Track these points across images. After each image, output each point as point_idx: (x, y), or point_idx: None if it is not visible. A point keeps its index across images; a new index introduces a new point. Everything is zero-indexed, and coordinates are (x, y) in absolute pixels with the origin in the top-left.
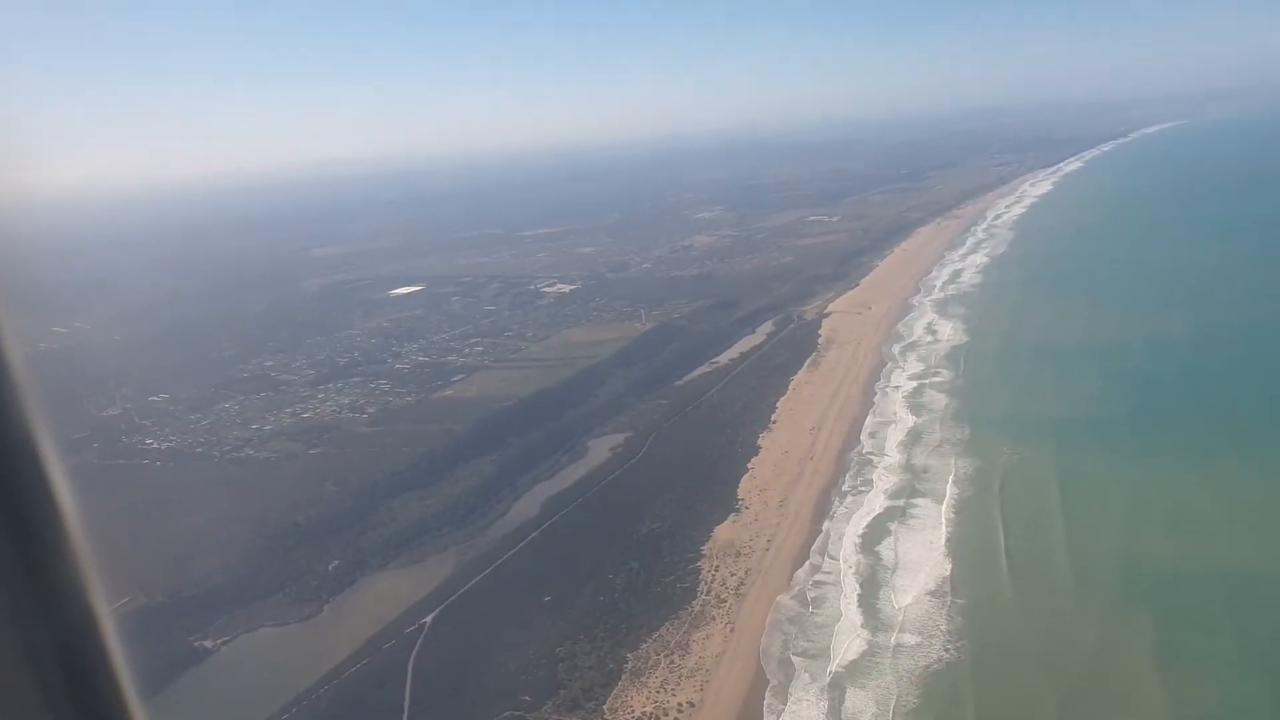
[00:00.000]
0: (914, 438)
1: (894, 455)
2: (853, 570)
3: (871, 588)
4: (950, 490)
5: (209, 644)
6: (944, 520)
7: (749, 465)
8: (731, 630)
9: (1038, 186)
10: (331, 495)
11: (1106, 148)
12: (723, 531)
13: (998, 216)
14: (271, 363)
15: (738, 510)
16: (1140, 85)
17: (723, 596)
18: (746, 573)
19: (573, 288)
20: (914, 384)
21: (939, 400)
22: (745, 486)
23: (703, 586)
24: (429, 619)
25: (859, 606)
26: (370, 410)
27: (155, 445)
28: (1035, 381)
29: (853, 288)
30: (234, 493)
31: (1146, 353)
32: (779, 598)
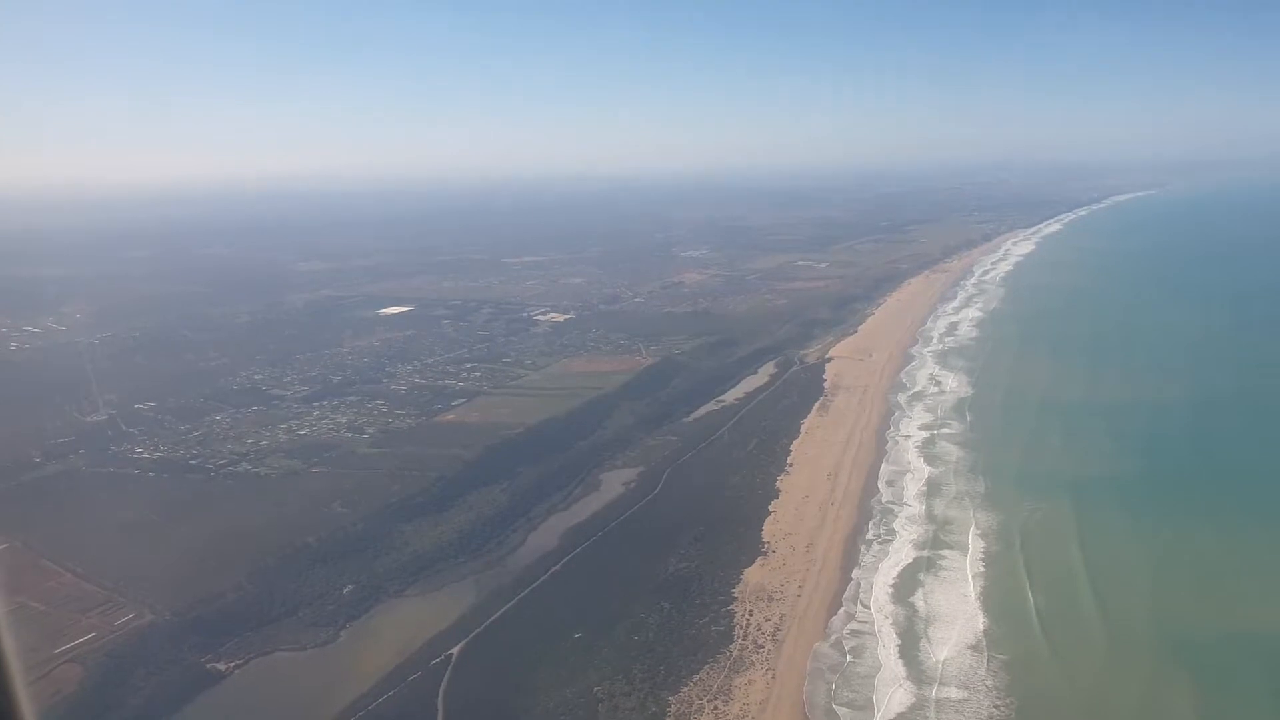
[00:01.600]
0: (932, 488)
1: (914, 505)
2: (889, 620)
3: (910, 639)
4: (974, 543)
5: (222, 666)
6: (971, 573)
7: (770, 508)
8: (773, 677)
9: (1020, 246)
10: (341, 517)
11: (1082, 212)
12: (752, 575)
13: (985, 273)
14: (261, 376)
15: (765, 554)
16: (1109, 153)
17: (760, 642)
18: (781, 618)
19: (566, 317)
20: (925, 434)
21: (952, 452)
22: (770, 529)
23: (738, 630)
24: (455, 651)
25: (899, 658)
26: (370, 431)
27: (145, 455)
28: (1043, 437)
29: (851, 334)
30: (236, 508)
31: (1149, 413)
32: (817, 645)
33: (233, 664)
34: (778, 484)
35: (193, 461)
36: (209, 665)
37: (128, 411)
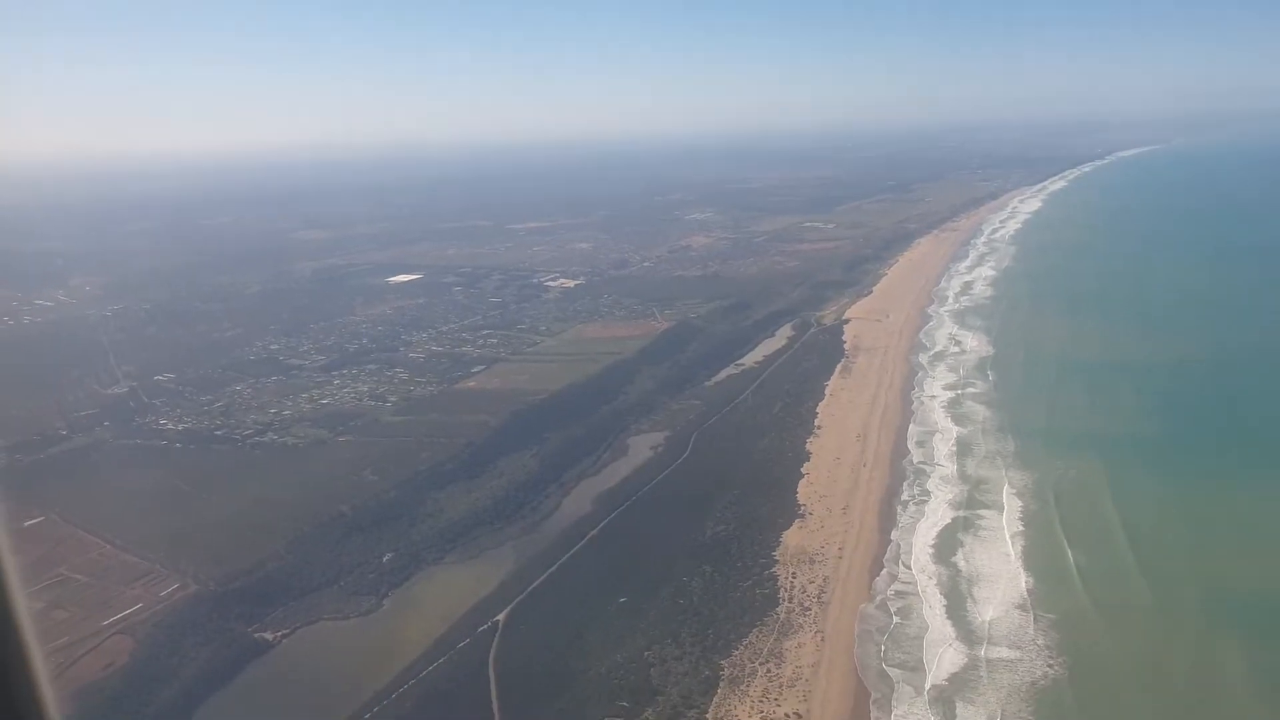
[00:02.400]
0: (963, 448)
1: (946, 465)
2: (932, 581)
3: (955, 599)
4: (1010, 503)
5: (269, 636)
6: (1010, 533)
7: (803, 470)
8: (822, 640)
9: (1027, 203)
10: (373, 484)
11: (1086, 168)
12: (791, 537)
13: (994, 231)
14: (277, 346)
15: (802, 516)
16: (1111, 109)
17: (806, 604)
18: (825, 580)
19: (576, 283)
20: (951, 394)
21: (979, 411)
22: (804, 492)
23: (783, 593)
24: (501, 617)
25: (947, 618)
26: (392, 399)
27: (170, 426)
28: (1068, 395)
29: (866, 295)
30: (267, 478)
31: (1171, 370)
32: (862, 607)
33: (280, 633)
34: (807, 446)
35: (218, 432)
36: (256, 635)
37: (148, 383)
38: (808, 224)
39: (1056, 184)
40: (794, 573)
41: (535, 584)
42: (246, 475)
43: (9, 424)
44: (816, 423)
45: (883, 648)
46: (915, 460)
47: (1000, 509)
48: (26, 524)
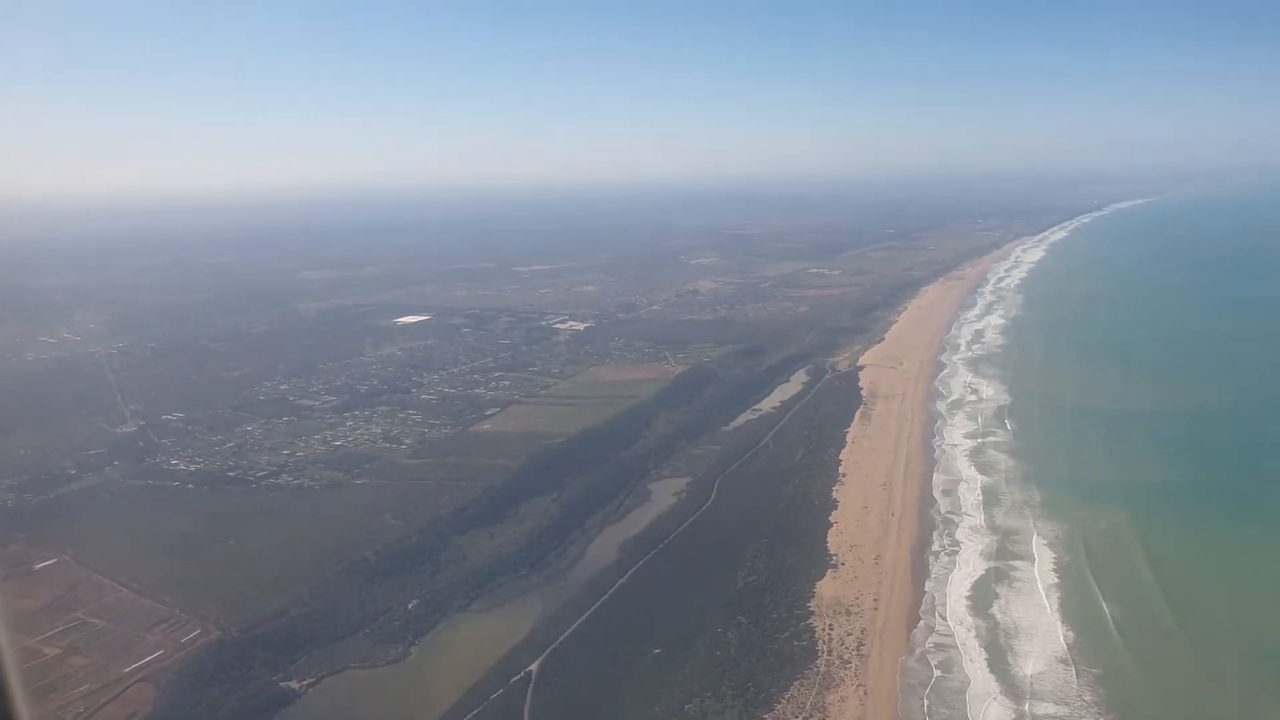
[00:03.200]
0: (989, 498)
1: (975, 515)
2: (971, 633)
3: (995, 652)
4: (1041, 554)
5: (295, 685)
6: (1044, 584)
7: (831, 519)
8: (865, 694)
9: (1030, 253)
10: (394, 529)
11: (1086, 219)
12: (824, 588)
13: (1000, 280)
14: (286, 386)
15: (834, 566)
16: (1103, 162)
17: (845, 657)
18: (863, 632)
19: (585, 325)
20: (972, 443)
21: (1001, 460)
22: (834, 541)
23: (821, 645)
24: (534, 667)
25: (990, 672)
26: (407, 441)
27: (181, 466)
28: (1089, 444)
29: (878, 341)
30: (284, 521)
31: (1189, 419)
32: (902, 659)
33: (305, 682)
34: (834, 494)
35: (231, 473)
36: (281, 684)
37: (156, 423)
38: (813, 270)
39: (1057, 234)
40: (830, 624)
41: (566, 633)
42: (262, 518)
43: (16, 462)
44: (841, 470)
45: (926, 702)
46: (943, 510)
47: (1032, 559)
48: (39, 566)
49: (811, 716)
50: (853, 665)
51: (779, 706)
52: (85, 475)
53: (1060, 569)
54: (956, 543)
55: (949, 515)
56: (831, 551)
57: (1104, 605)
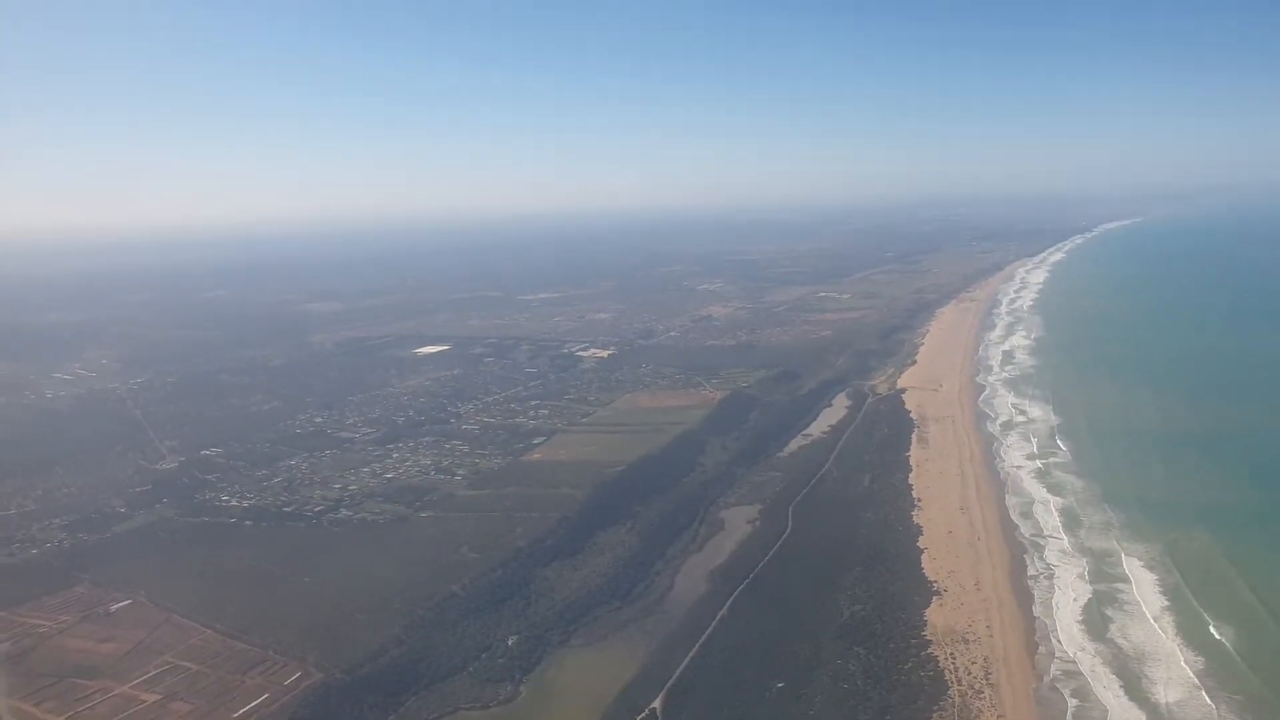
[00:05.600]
0: (1069, 520)
1: (1060, 538)
2: (1098, 660)
3: (1128, 680)
4: (1139, 575)
5: None
6: (1153, 608)
7: (920, 545)
8: None
9: (1034, 274)
10: (475, 562)
11: (1078, 240)
12: (934, 616)
13: (1012, 301)
14: (321, 419)
15: (938, 593)
16: (1081, 184)
17: (976, 687)
18: (986, 660)
19: (608, 353)
20: (1035, 464)
21: (1069, 481)
22: (930, 567)
23: (949, 676)
24: (657, 705)
25: (1129, 700)
26: (460, 472)
27: (234, 503)
28: (1149, 464)
29: (911, 364)
30: (356, 556)
31: (1241, 436)
32: (1034, 688)
33: None
34: (914, 519)
35: (287, 509)
36: None
37: (196, 458)
38: (822, 294)
39: (1055, 255)
40: (952, 653)
41: (681, 668)
42: (332, 553)
43: (63, 501)
44: (915, 495)
45: None
46: (1026, 533)
47: (1129, 581)
48: (114, 607)
49: None
50: (986, 695)
51: None
52: (137, 513)
53: (1165, 592)
54: (1050, 566)
55: (1034, 538)
56: (930, 578)
57: (1213, 629)
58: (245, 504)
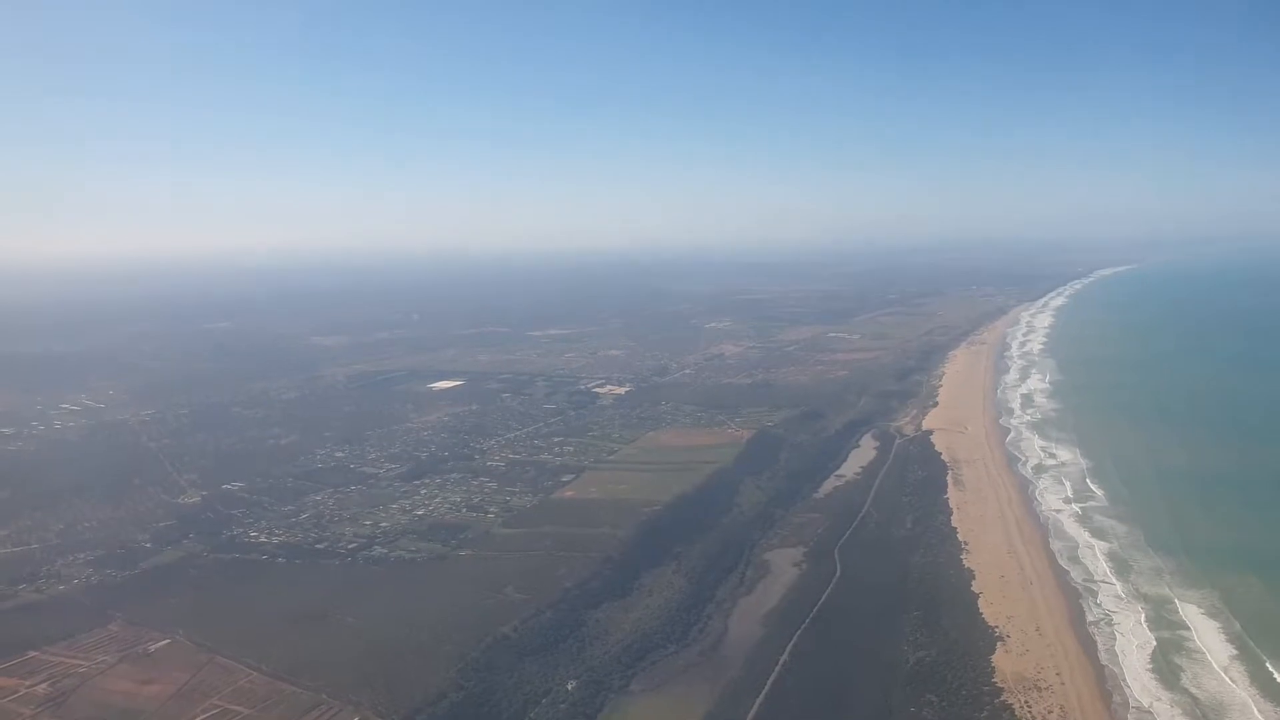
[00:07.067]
0: (1119, 565)
1: (1114, 583)
2: (1177, 710)
3: None
4: (1198, 623)
5: None
6: (1220, 657)
7: (975, 590)
8: None
9: (1039, 318)
10: (522, 604)
11: (1077, 285)
12: (1002, 662)
13: (1021, 345)
14: (343, 454)
15: (1002, 639)
16: (1076, 231)
17: None
18: (1062, 709)
19: (625, 390)
20: (1073, 508)
21: (1110, 526)
22: (989, 613)
23: None
24: None
25: None
26: (493, 510)
27: (263, 539)
28: (1186, 506)
29: (933, 406)
30: (399, 596)
31: (1267, 479)
32: None
33: None
34: (965, 563)
35: (319, 545)
36: None
37: (218, 493)
38: (832, 334)
39: (1056, 300)
40: (1026, 701)
41: (752, 714)
42: (374, 593)
43: (86, 536)
44: (960, 538)
45: None
46: (1078, 578)
47: (1190, 629)
48: (154, 647)
49: None
50: None
51: None
52: (164, 549)
53: (1230, 640)
54: (1109, 613)
55: (1086, 583)
56: (991, 623)
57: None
58: (275, 540)
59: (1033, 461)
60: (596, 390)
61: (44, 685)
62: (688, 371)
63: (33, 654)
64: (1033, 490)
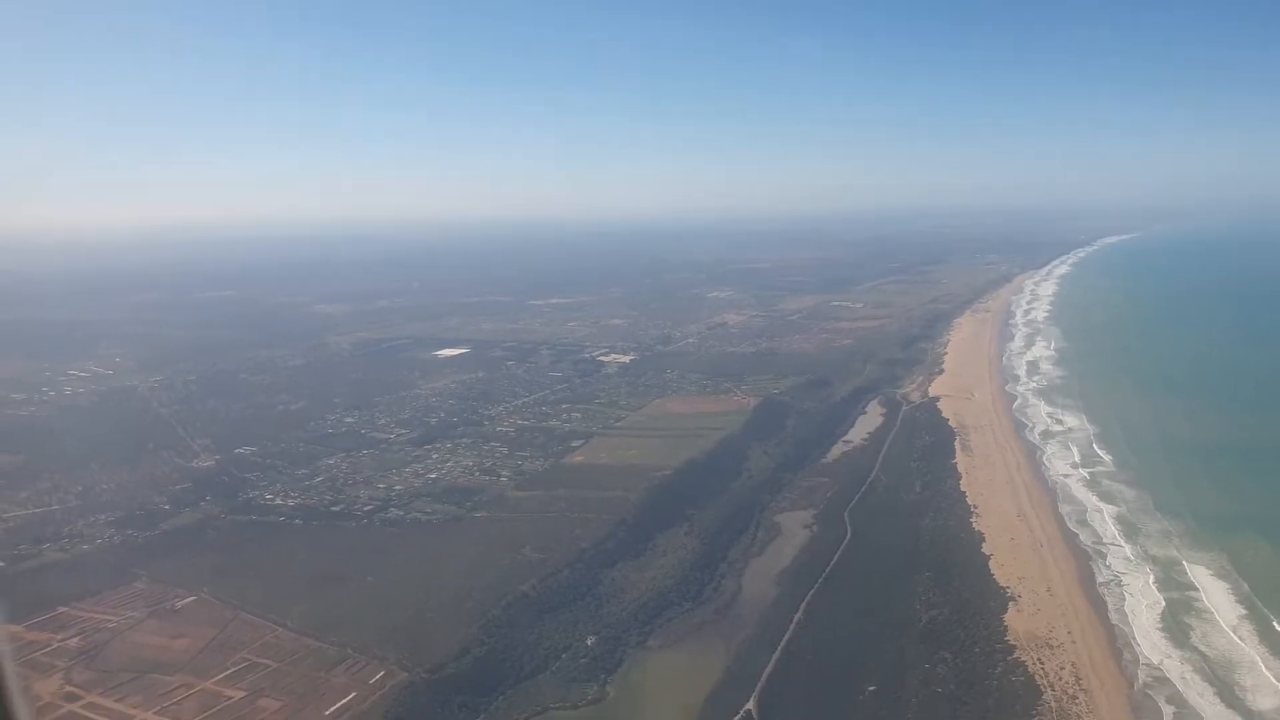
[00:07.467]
0: (1127, 528)
1: (1122, 545)
2: (1187, 668)
3: (1221, 687)
4: (1206, 584)
5: None
6: (1226, 617)
7: (985, 551)
8: None
9: (1043, 286)
10: (540, 563)
11: (1081, 253)
12: (1014, 621)
13: (1026, 313)
14: (352, 420)
15: (1014, 599)
16: (1078, 198)
17: (1070, 693)
18: (1074, 667)
19: (629, 358)
20: (1081, 473)
21: (1118, 490)
22: (1000, 574)
23: (1041, 681)
24: (751, 706)
25: (1227, 708)
26: (505, 473)
27: (279, 501)
28: (1192, 472)
29: (939, 373)
30: (418, 556)
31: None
32: (1128, 694)
33: None
34: (974, 526)
35: (335, 508)
36: None
37: (231, 457)
38: (835, 303)
39: (1060, 268)
40: (1039, 659)
41: (768, 670)
42: (392, 553)
43: (105, 499)
44: (970, 502)
45: None
46: (1087, 541)
47: (1199, 590)
48: (180, 604)
49: None
50: (1081, 701)
51: None
52: (182, 511)
53: (1239, 600)
54: (1118, 574)
55: (1095, 546)
56: (1002, 584)
57: None
58: (291, 503)
59: (1040, 427)
60: (601, 359)
61: (76, 639)
62: (691, 340)
63: (62, 609)
64: (1040, 456)
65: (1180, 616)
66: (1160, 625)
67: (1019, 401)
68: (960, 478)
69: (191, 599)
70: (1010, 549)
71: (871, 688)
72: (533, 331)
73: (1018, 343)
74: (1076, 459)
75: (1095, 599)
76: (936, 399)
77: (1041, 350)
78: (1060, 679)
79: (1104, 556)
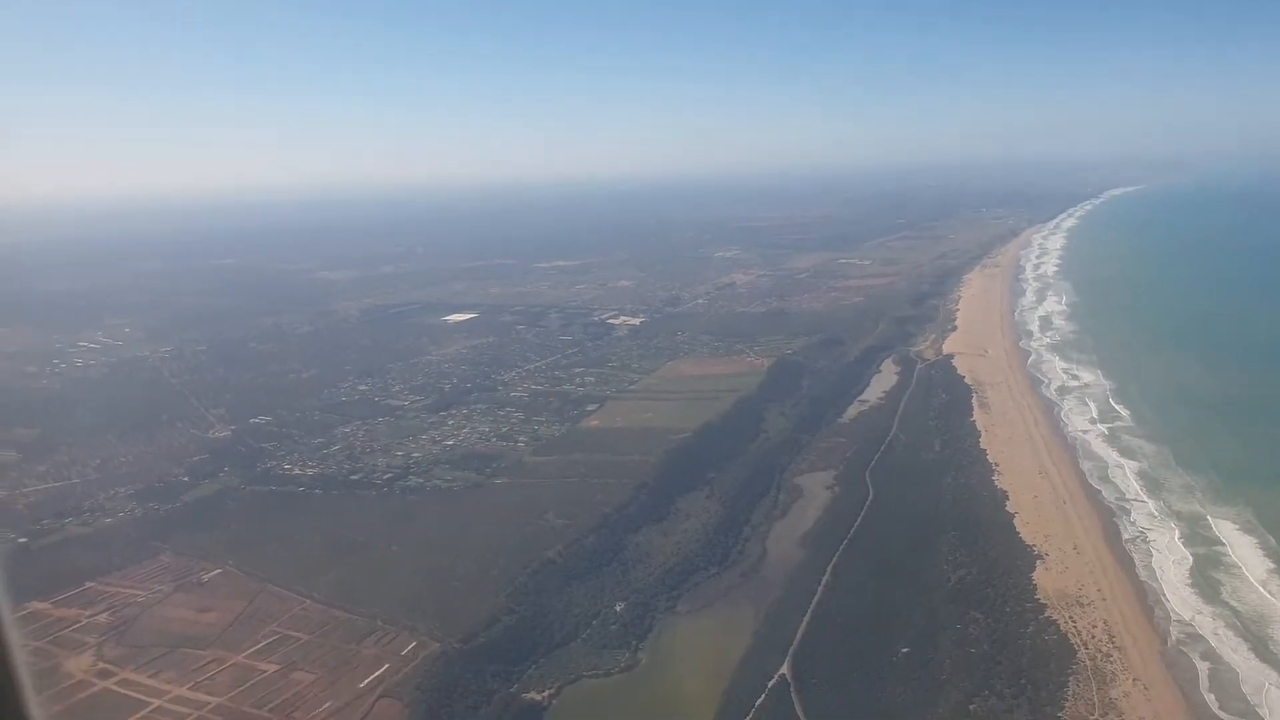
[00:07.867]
0: (1149, 484)
1: (1146, 501)
2: (1219, 623)
3: (1255, 642)
4: (1233, 539)
5: (537, 696)
6: (1255, 572)
7: (1010, 510)
8: (1145, 688)
9: (1051, 240)
10: (564, 529)
11: (1088, 206)
12: (1043, 580)
13: (1036, 269)
14: (366, 387)
15: (1041, 558)
16: (1082, 151)
17: (1104, 650)
18: (1106, 624)
19: (639, 320)
20: (1100, 429)
21: (1138, 445)
22: (1026, 532)
23: (1074, 639)
24: (785, 670)
25: (1260, 661)
26: (522, 439)
27: (297, 471)
28: (1211, 427)
29: (952, 330)
30: (441, 524)
31: None
32: (1160, 650)
33: (546, 693)
34: (997, 484)
35: (354, 477)
36: (524, 696)
37: (247, 427)
38: (842, 260)
39: (1068, 221)
40: (1071, 617)
41: (800, 634)
42: (415, 521)
43: (123, 470)
44: (990, 460)
45: (1211, 695)
46: (1110, 497)
47: (1226, 545)
48: (206, 577)
49: (1108, 713)
50: (1115, 659)
51: (1068, 704)
52: (201, 482)
53: (1268, 555)
54: (1143, 530)
55: (1119, 502)
56: (1028, 542)
57: None
58: (309, 472)
59: (1056, 383)
60: (610, 321)
61: (105, 615)
62: (700, 301)
63: (90, 584)
64: (1058, 412)
65: (1209, 572)
66: (1189, 581)
67: (1033, 358)
68: (979, 435)
69: (217, 571)
70: (1034, 506)
71: (904, 649)
72: (541, 295)
73: (1029, 298)
74: (1094, 414)
75: (1122, 556)
76: (951, 356)
77: (1053, 305)
78: (1093, 637)
79: (1128, 513)
